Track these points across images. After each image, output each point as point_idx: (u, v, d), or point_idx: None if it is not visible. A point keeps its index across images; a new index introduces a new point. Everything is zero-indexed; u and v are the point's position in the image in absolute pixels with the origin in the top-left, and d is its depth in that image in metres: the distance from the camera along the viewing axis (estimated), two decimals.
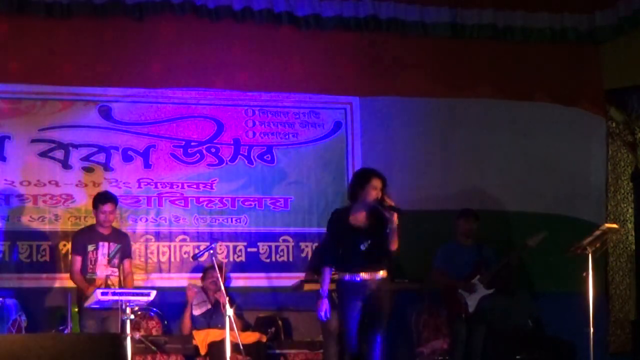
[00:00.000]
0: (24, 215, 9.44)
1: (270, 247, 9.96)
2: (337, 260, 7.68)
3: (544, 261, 9.89)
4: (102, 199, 8.64)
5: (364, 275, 7.60)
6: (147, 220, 9.73)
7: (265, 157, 10.06)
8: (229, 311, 7.72)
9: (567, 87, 10.69)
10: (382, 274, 7.64)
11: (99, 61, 9.69)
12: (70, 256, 8.76)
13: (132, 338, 7.66)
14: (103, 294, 7.72)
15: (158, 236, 9.74)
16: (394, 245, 7.60)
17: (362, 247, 7.59)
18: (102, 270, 8.51)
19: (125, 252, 8.69)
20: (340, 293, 7.73)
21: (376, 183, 7.61)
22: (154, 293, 7.79)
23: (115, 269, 8.58)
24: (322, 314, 7.73)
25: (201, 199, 9.88)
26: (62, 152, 9.59)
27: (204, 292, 9.29)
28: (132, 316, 7.63)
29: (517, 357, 9.64)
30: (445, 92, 10.43)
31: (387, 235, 7.55)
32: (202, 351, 8.86)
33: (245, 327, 9.28)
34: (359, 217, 7.68)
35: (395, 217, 7.53)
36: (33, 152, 9.53)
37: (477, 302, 8.94)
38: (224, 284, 8.08)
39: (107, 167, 9.69)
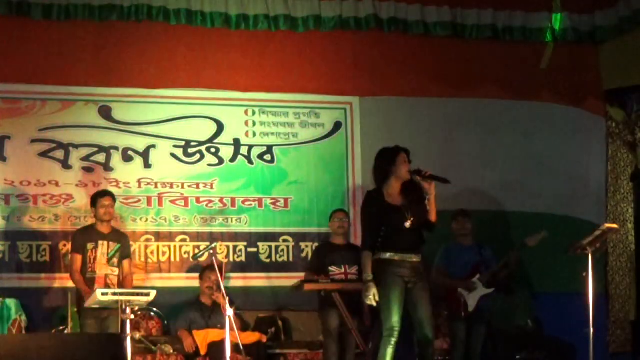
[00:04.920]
0: (24, 215, 9.44)
1: (270, 247, 9.95)
2: (380, 241, 7.45)
3: (544, 261, 9.88)
4: (101, 192, 8.78)
5: (410, 255, 7.46)
6: (147, 220, 9.73)
7: (265, 157, 10.06)
8: (229, 311, 7.71)
9: (567, 87, 10.68)
10: (420, 256, 7.53)
11: (99, 61, 9.68)
12: (70, 255, 8.77)
13: (132, 338, 7.66)
14: (103, 294, 7.72)
15: (158, 236, 9.73)
16: (434, 217, 7.54)
17: (407, 225, 7.48)
18: (102, 269, 8.53)
19: (124, 252, 8.71)
20: (384, 274, 7.41)
21: (404, 157, 7.54)
22: (154, 293, 7.80)
23: (115, 268, 8.60)
24: (372, 297, 7.37)
25: (201, 199, 9.88)
26: (62, 152, 9.58)
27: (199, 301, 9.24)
28: (132, 316, 7.63)
29: (517, 357, 9.64)
30: (446, 92, 10.43)
31: (426, 208, 7.48)
32: (202, 351, 8.86)
33: (244, 327, 9.26)
34: (395, 195, 7.55)
35: (432, 187, 7.47)
36: (33, 152, 9.52)
37: (477, 301, 8.95)
38: (223, 283, 8.07)
39: (107, 167, 9.68)
